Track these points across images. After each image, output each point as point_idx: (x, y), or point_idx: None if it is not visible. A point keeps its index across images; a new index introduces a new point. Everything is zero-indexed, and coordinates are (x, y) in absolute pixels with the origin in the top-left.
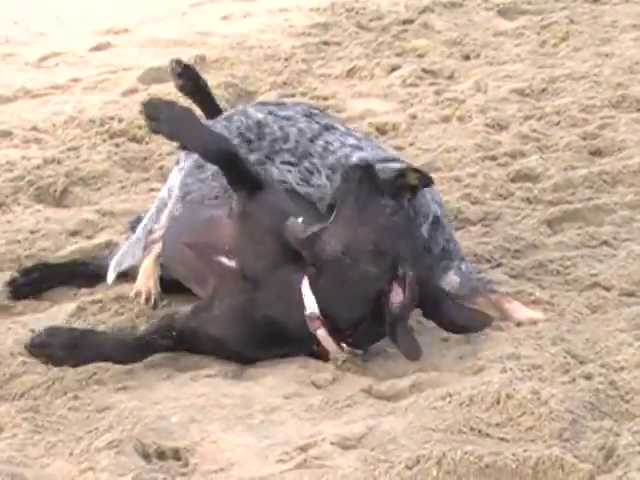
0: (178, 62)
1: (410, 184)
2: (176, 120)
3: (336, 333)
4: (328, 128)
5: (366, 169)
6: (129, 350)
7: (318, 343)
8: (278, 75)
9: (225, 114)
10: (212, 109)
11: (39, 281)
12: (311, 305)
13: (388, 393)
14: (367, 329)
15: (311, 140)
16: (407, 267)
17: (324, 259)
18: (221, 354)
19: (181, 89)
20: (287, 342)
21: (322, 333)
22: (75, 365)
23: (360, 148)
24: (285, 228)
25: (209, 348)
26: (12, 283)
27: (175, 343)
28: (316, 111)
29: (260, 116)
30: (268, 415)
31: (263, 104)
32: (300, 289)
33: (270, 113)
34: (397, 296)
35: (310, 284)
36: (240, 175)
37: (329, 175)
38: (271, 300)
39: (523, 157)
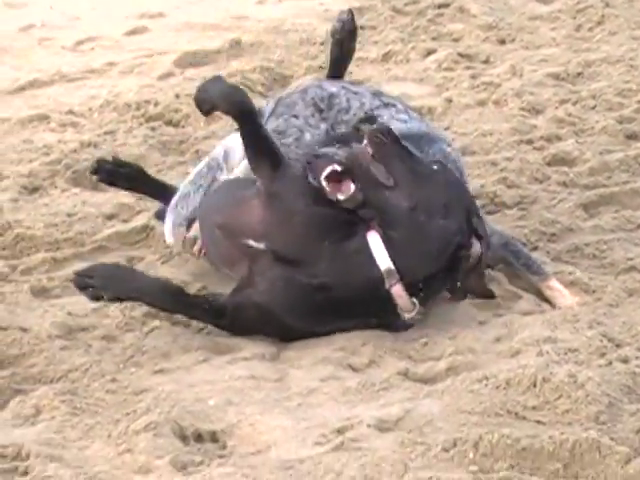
0: (350, 11)
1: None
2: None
3: (410, 289)
4: (388, 105)
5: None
6: (167, 297)
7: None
8: (313, 59)
9: (301, 86)
10: (337, 71)
11: (125, 175)
12: (385, 262)
13: (425, 376)
14: (438, 283)
15: (366, 113)
16: (478, 219)
17: (393, 218)
18: (268, 329)
19: (333, 34)
20: (352, 310)
21: (398, 289)
22: (111, 299)
23: (405, 121)
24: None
25: (255, 325)
26: (100, 162)
27: (215, 317)
28: (384, 92)
29: (333, 89)
30: (305, 398)
31: (339, 80)
32: (365, 247)
33: (343, 87)
34: (475, 247)
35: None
36: (261, 147)
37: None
38: (325, 268)
39: (559, 141)
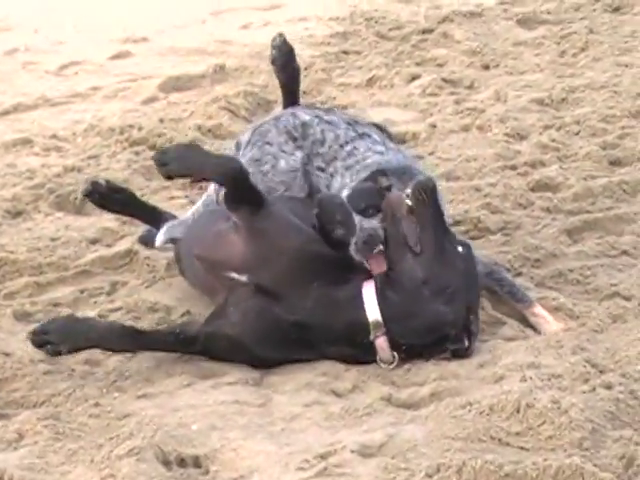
0: (280, 34)
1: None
2: (184, 155)
3: (392, 343)
4: (363, 135)
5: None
6: (124, 340)
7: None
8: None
9: (274, 114)
10: (291, 97)
11: (117, 200)
12: (375, 313)
13: (408, 401)
14: (420, 351)
15: (341, 145)
16: (475, 319)
17: (401, 282)
18: (239, 358)
19: (273, 62)
20: (328, 350)
21: (382, 342)
22: (69, 351)
23: (382, 153)
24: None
25: (227, 354)
26: (95, 184)
27: (186, 347)
28: (359, 120)
29: (307, 118)
30: (288, 423)
31: (311, 107)
32: (358, 296)
33: (316, 116)
34: (463, 344)
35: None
36: (246, 192)
37: (344, 175)
38: (307, 308)
39: (543, 166)
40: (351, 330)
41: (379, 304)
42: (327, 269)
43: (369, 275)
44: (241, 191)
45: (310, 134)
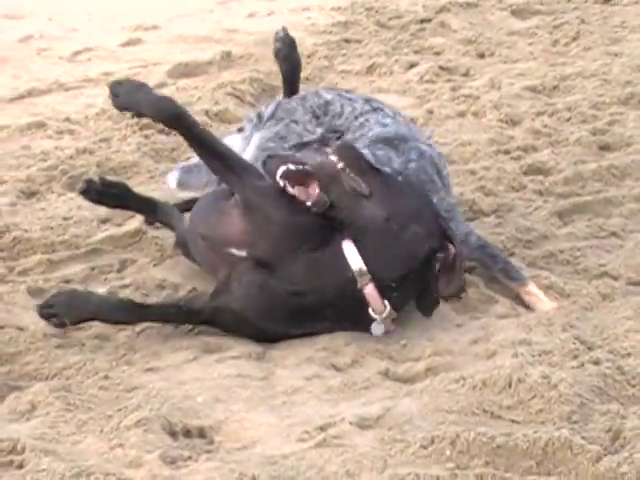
0: (283, 28)
1: None
2: (132, 91)
3: (382, 291)
4: (376, 109)
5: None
6: (123, 312)
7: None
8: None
9: (300, 94)
10: (292, 87)
11: (113, 195)
12: (357, 263)
13: (404, 376)
14: (411, 285)
15: (356, 117)
16: (444, 221)
17: (368, 227)
18: (244, 332)
19: (276, 54)
20: (326, 314)
21: (370, 289)
22: (73, 323)
23: (385, 125)
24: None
25: (231, 327)
26: (90, 182)
27: (189, 318)
28: (375, 100)
29: (329, 97)
30: (290, 396)
31: (334, 88)
32: (339, 253)
33: (338, 94)
34: (450, 249)
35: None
36: (221, 158)
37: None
38: (300, 275)
39: (535, 151)
40: (340, 286)
41: (360, 254)
42: (310, 234)
43: (345, 234)
44: (187, 133)
45: (331, 110)
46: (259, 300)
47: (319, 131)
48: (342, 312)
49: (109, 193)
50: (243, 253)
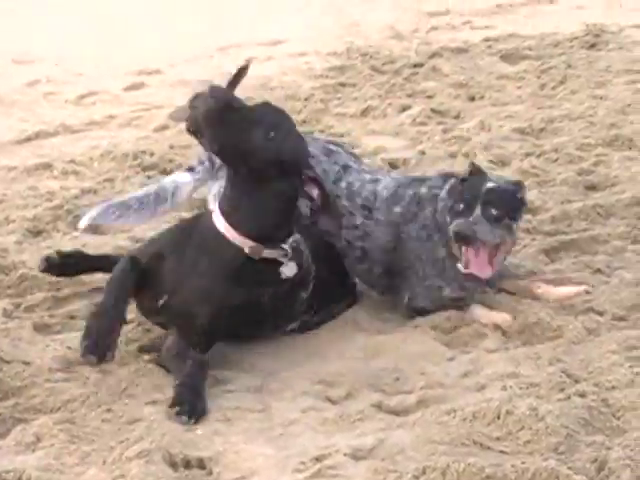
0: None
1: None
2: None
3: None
4: (346, 168)
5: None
6: None
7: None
8: (298, 114)
9: None
10: None
11: (73, 265)
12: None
13: (397, 408)
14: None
15: (334, 182)
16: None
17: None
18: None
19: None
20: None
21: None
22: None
23: (376, 181)
24: None
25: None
26: (48, 259)
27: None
28: (333, 147)
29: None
30: (286, 428)
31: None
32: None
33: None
34: (314, 191)
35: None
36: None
37: (366, 215)
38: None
39: None
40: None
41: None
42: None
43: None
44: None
45: None
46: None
47: None
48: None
49: (68, 263)
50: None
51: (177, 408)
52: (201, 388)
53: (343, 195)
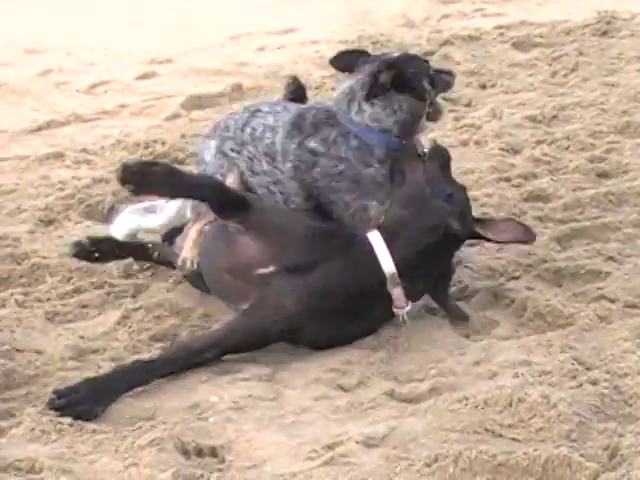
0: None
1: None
2: (159, 178)
3: (407, 291)
4: (254, 113)
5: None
6: (148, 371)
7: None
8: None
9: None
10: None
11: (104, 251)
12: (390, 267)
13: (409, 396)
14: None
15: (241, 129)
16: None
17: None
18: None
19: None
20: (362, 311)
21: (398, 292)
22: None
23: (273, 129)
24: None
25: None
26: (80, 244)
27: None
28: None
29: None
30: (298, 416)
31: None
32: (370, 254)
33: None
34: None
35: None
36: (229, 202)
37: (269, 162)
38: (333, 273)
39: (535, 179)
40: (369, 286)
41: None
42: (332, 234)
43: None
44: (224, 200)
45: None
46: (304, 301)
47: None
48: (365, 309)
49: (100, 249)
50: (271, 268)
51: (55, 398)
52: (112, 394)
53: (249, 140)
